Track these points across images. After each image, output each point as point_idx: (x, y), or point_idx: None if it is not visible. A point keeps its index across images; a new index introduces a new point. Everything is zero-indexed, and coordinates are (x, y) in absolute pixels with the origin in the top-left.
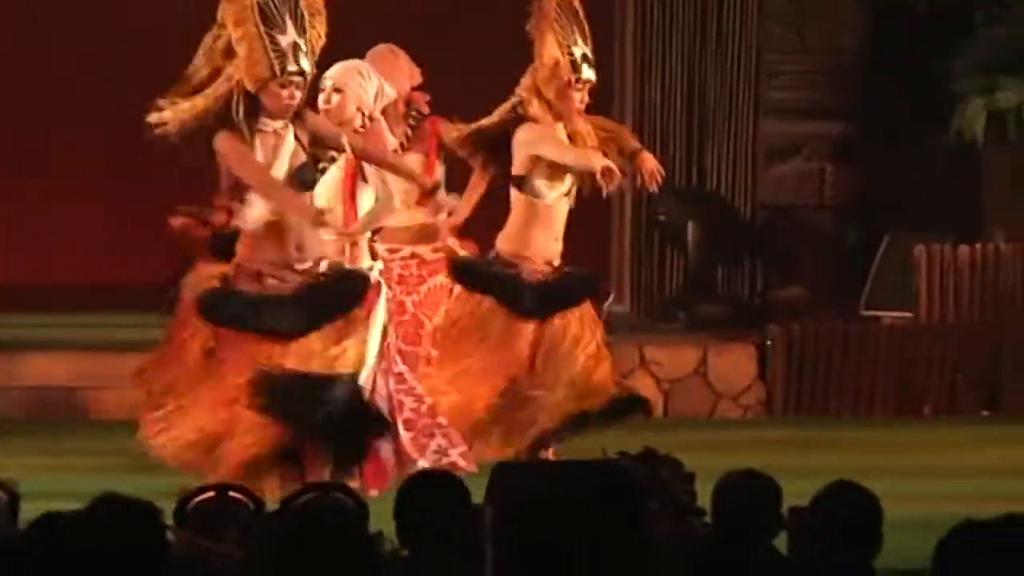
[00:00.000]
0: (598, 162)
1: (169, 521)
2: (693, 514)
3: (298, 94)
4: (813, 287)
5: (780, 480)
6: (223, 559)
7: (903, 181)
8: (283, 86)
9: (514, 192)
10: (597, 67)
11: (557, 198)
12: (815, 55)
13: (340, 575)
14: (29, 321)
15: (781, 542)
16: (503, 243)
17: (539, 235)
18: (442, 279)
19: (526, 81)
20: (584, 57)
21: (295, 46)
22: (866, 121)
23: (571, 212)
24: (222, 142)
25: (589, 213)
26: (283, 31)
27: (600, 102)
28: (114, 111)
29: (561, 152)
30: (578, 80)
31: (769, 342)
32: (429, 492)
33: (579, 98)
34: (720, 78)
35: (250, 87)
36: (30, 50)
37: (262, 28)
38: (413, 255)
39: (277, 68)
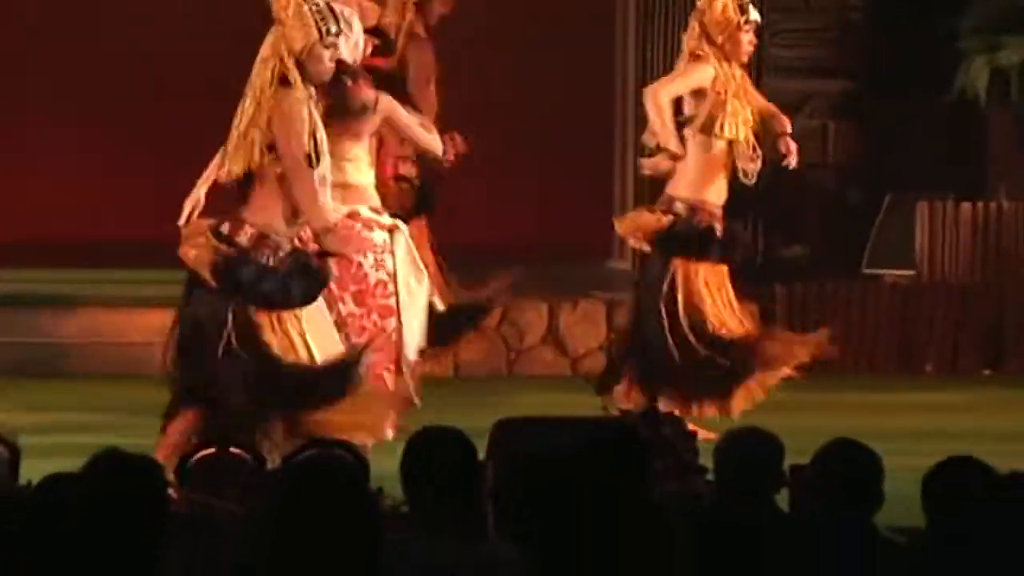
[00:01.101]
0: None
1: (170, 477)
2: (695, 472)
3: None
4: (815, 246)
5: (782, 438)
6: (224, 515)
7: (906, 139)
8: (326, 47)
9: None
10: (595, 28)
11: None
12: (819, 13)
13: (341, 531)
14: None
15: (783, 499)
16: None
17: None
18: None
19: (693, 29)
20: None
21: (329, 6)
22: (869, 79)
23: (572, 169)
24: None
25: (588, 169)
26: None
27: (600, 59)
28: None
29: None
30: (746, 21)
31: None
32: (434, 447)
33: (747, 39)
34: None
35: (297, 53)
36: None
37: None
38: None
39: (323, 30)
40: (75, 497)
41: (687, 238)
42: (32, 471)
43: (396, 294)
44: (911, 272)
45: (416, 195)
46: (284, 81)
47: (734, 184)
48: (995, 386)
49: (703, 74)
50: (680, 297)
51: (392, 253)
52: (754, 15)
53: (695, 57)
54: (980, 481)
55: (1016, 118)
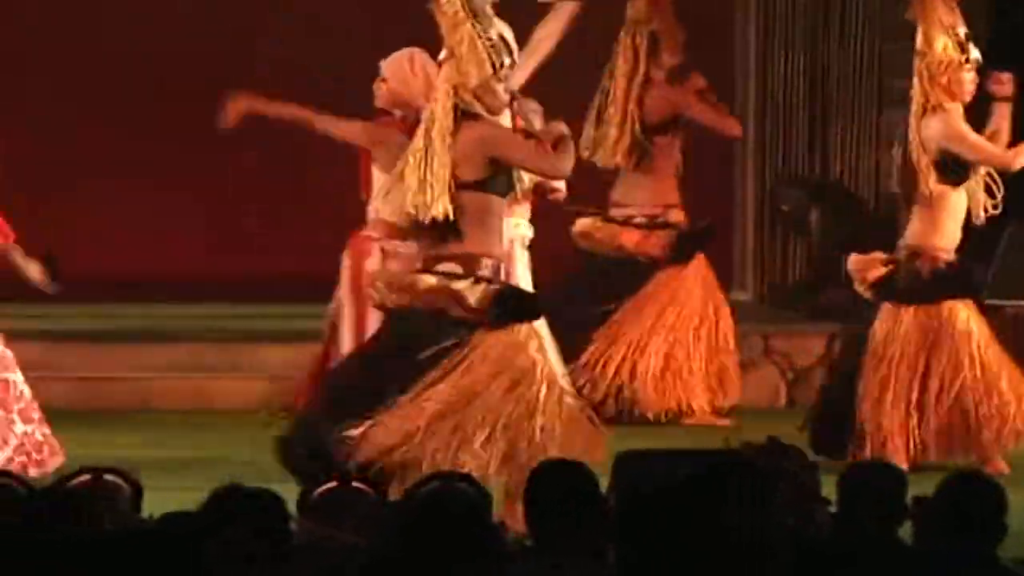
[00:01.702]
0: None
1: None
2: (817, 502)
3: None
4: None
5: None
6: (346, 548)
7: None
8: (500, 81)
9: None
10: (721, 56)
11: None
12: None
13: (461, 564)
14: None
15: (905, 531)
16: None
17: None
18: None
19: (921, 75)
20: (967, 36)
21: (502, 38)
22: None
23: (696, 200)
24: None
25: (714, 203)
26: (491, 23)
27: (723, 90)
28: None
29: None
30: (967, 60)
31: None
32: (558, 481)
33: (970, 79)
34: (842, 66)
35: (473, 87)
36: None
37: (477, 26)
38: None
39: (497, 63)
40: (198, 532)
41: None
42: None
43: None
44: None
45: None
46: (468, 115)
47: (852, 213)
48: None
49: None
50: None
51: None
52: (975, 53)
53: (934, 110)
54: None
55: None
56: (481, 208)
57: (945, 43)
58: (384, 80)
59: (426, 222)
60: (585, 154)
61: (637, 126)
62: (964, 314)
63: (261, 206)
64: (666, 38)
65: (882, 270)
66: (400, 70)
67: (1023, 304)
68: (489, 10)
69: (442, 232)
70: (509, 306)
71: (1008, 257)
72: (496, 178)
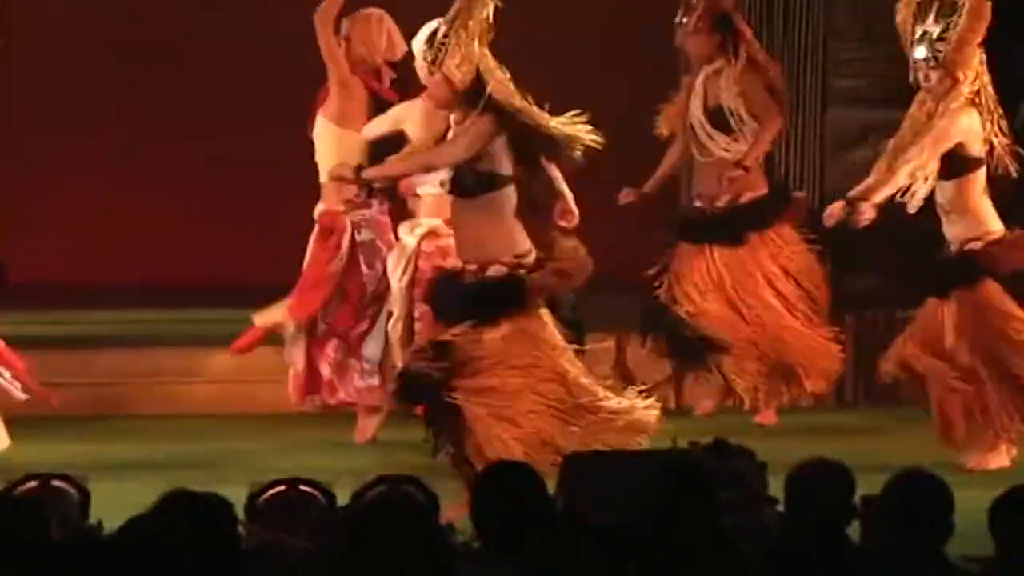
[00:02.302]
0: None
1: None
2: (766, 503)
3: None
4: (886, 276)
5: (852, 469)
6: (295, 552)
7: None
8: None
9: None
10: (665, 55)
11: None
12: (883, 43)
13: (411, 568)
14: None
15: (853, 530)
16: None
17: None
18: None
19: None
20: (923, 35)
21: None
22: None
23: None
24: None
25: (660, 204)
26: None
27: (668, 90)
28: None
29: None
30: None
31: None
32: (504, 482)
33: (920, 76)
34: (786, 67)
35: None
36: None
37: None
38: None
39: None
40: (145, 537)
41: None
42: (104, 512)
43: None
44: None
45: None
46: None
47: None
48: None
49: None
50: None
51: None
52: (918, 52)
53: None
54: None
55: None
56: None
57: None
58: (347, 39)
59: None
60: None
61: None
62: None
63: (212, 211)
64: None
65: None
66: (364, 30)
67: None
68: None
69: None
70: None
71: None
72: None
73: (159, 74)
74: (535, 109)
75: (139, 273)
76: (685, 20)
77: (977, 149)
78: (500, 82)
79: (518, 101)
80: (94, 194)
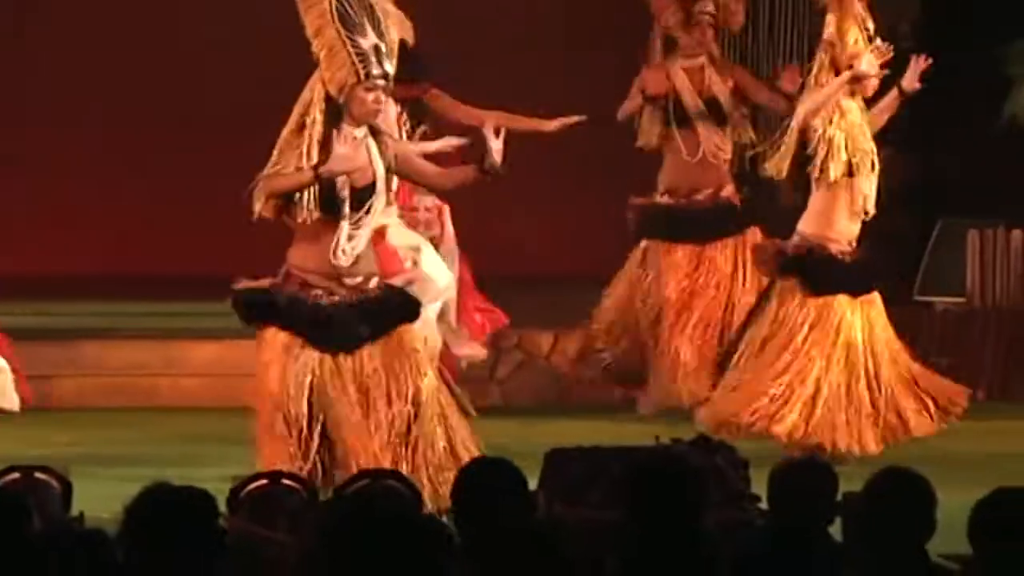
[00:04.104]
0: None
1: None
2: (748, 500)
3: (383, 98)
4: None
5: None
6: (277, 546)
7: (956, 166)
8: (368, 90)
9: None
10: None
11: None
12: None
13: (391, 561)
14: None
15: (835, 528)
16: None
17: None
18: None
19: (823, 62)
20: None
21: (376, 49)
22: (919, 106)
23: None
24: None
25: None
26: (364, 35)
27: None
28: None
29: None
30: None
31: None
32: (485, 477)
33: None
34: (773, 64)
35: (334, 93)
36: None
37: (343, 32)
38: None
39: (361, 72)
40: (127, 530)
41: None
42: (86, 504)
43: None
44: (962, 299)
45: None
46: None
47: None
48: None
49: None
50: None
51: None
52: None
53: None
54: None
55: None
56: None
57: (856, 37)
58: None
59: None
60: None
61: None
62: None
63: (175, 207)
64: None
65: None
66: None
67: (951, 300)
68: (367, 23)
69: None
70: None
71: (937, 254)
72: None
73: (146, 67)
74: None
75: (123, 265)
76: None
77: None
78: None
79: None
80: (80, 187)
